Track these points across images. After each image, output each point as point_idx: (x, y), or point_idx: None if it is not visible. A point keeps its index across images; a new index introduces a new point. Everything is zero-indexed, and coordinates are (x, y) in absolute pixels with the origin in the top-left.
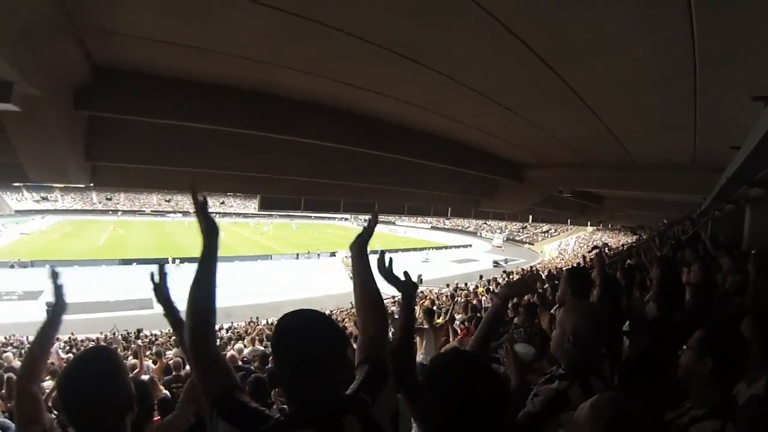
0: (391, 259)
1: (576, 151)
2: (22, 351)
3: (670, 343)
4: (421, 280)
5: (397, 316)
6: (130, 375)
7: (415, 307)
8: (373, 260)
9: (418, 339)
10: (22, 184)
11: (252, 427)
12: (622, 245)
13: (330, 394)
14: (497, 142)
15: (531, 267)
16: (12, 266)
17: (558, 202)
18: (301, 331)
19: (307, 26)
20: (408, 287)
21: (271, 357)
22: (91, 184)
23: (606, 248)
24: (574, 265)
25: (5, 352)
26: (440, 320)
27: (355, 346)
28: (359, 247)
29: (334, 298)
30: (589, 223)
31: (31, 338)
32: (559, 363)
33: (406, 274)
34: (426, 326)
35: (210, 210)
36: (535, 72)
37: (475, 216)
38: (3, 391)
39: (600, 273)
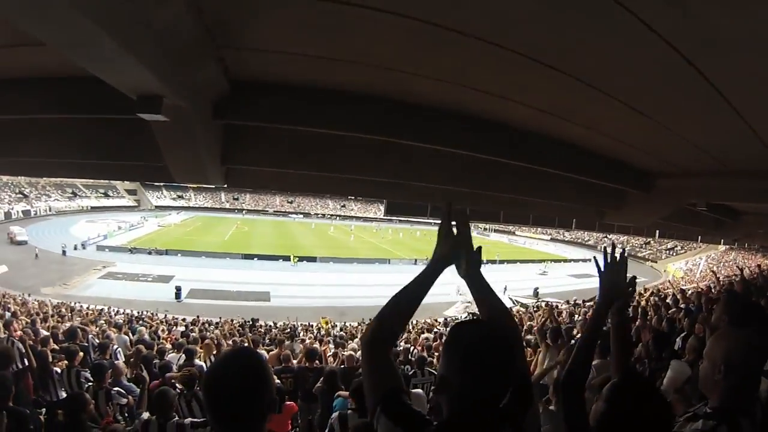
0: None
1: (715, 159)
2: (151, 325)
3: None
4: (537, 293)
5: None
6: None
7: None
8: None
9: (541, 355)
10: (162, 184)
11: (412, 428)
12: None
13: (491, 404)
14: (628, 150)
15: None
16: (150, 253)
17: (689, 216)
18: (482, 342)
19: (442, 35)
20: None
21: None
22: (225, 185)
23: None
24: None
25: (139, 326)
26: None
27: None
28: (474, 270)
29: (451, 304)
30: (722, 240)
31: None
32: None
33: (633, 279)
34: (551, 343)
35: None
36: (676, 72)
37: (599, 229)
38: (132, 360)
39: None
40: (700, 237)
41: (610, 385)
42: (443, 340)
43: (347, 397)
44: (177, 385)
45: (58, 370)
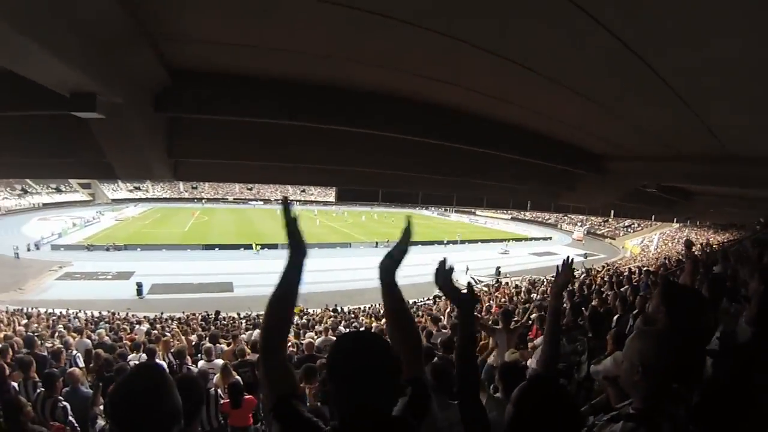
0: (451, 269)
1: (664, 144)
2: (113, 326)
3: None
4: (499, 272)
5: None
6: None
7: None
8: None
9: (490, 340)
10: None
11: None
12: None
13: (380, 413)
14: (578, 134)
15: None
16: (108, 249)
17: (642, 196)
18: (357, 351)
19: (372, 20)
20: (466, 304)
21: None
22: (174, 180)
23: (707, 247)
24: (659, 264)
25: (99, 328)
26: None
27: None
28: (387, 271)
29: (417, 287)
30: (675, 219)
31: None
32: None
33: (470, 287)
34: (500, 327)
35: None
36: (623, 62)
37: (555, 210)
38: (91, 364)
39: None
40: (654, 216)
41: (519, 388)
42: None
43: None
44: None
45: (15, 384)
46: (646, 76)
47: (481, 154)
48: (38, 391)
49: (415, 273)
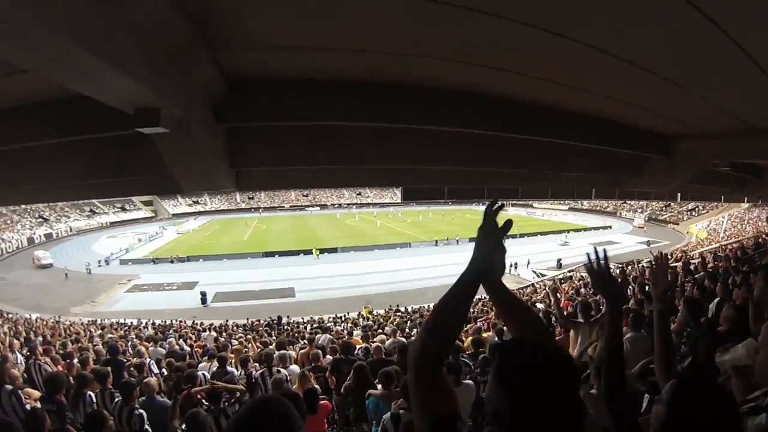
0: (606, 257)
1: (737, 118)
2: (181, 333)
3: None
4: (560, 264)
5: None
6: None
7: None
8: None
9: (572, 333)
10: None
11: None
12: None
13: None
14: (647, 116)
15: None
16: (172, 261)
17: (712, 177)
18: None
19: (446, 11)
20: (619, 304)
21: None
22: (235, 191)
23: None
24: (737, 248)
25: (169, 336)
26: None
27: None
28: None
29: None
30: (746, 199)
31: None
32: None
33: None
34: (581, 320)
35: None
36: (711, 42)
37: (619, 197)
38: (166, 374)
39: None
40: (723, 197)
41: (670, 386)
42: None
43: (380, 396)
44: (203, 400)
45: (92, 394)
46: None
47: (547, 144)
48: (116, 400)
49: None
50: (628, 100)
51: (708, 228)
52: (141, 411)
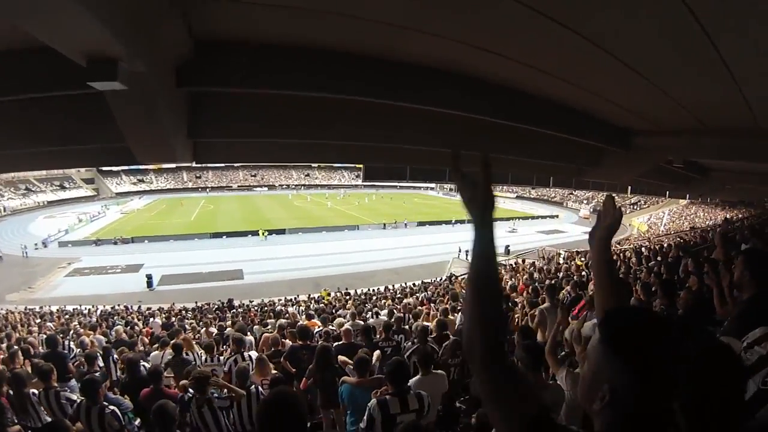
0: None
1: (696, 118)
2: (128, 320)
3: None
4: (509, 250)
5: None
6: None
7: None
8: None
9: (536, 320)
10: (121, 169)
11: None
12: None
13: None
14: (611, 108)
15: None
16: (115, 243)
17: (662, 172)
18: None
19: None
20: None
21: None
22: (193, 163)
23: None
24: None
25: (115, 324)
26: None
27: None
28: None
29: (425, 268)
30: (687, 196)
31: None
32: None
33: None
34: (548, 305)
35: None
36: (688, 39)
37: (575, 186)
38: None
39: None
40: (668, 192)
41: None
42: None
43: (355, 384)
44: (189, 389)
45: (35, 392)
46: (706, 53)
47: (510, 128)
48: (67, 404)
49: (424, 253)
50: (593, 88)
51: (649, 221)
52: (113, 408)
